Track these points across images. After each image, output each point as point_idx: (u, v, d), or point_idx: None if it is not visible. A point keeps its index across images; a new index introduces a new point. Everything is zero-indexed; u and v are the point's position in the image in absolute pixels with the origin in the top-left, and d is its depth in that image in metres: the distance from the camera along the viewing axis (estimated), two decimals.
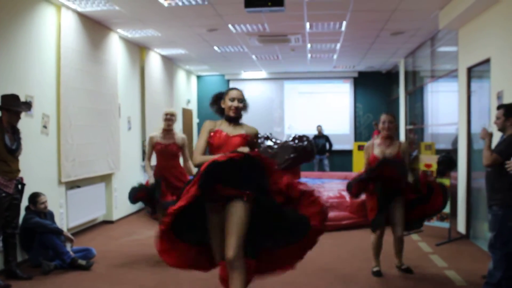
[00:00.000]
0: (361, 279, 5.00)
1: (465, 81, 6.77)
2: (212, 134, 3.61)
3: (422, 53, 9.96)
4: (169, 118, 5.79)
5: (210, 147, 3.62)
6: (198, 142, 3.65)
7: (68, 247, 5.52)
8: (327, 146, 13.47)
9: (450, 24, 6.79)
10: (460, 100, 7.02)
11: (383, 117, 5.03)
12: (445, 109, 8.78)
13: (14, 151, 4.84)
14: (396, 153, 4.90)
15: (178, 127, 11.72)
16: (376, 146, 5.00)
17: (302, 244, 3.53)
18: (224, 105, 3.70)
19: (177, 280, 4.97)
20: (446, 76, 8.49)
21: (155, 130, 5.94)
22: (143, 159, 9.59)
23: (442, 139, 9.02)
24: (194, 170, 5.21)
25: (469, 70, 6.70)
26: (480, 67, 6.41)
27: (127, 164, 8.81)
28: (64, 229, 6.09)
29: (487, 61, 6.00)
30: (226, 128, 3.64)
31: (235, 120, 3.69)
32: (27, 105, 5.07)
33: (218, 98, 3.77)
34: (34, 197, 5.52)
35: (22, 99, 5.18)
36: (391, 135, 5.00)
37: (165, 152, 5.72)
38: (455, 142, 7.63)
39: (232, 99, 3.66)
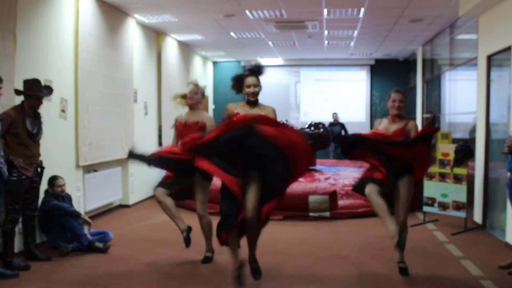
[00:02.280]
0: (376, 267, 4.99)
1: (485, 70, 6.67)
2: (232, 116, 4.19)
3: (441, 40, 9.82)
4: (191, 93, 5.05)
5: None
6: None
7: (86, 230, 5.60)
8: (343, 133, 13.41)
9: (470, 11, 6.67)
10: (479, 89, 6.93)
11: (394, 95, 4.64)
12: (463, 98, 8.68)
13: (34, 136, 4.89)
14: (400, 129, 4.59)
15: None
16: (383, 124, 4.75)
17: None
18: (244, 91, 4.35)
19: (193, 263, 5.04)
20: (464, 64, 8.38)
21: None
22: (160, 144, 9.65)
23: (459, 128, 8.92)
24: None
25: (489, 58, 6.60)
26: (500, 56, 6.31)
27: (143, 149, 8.83)
28: (81, 212, 6.16)
29: (507, 49, 5.89)
30: (245, 111, 4.27)
31: (254, 102, 4.35)
32: (49, 89, 5.10)
33: (239, 83, 4.35)
34: (52, 180, 5.59)
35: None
36: (401, 114, 4.69)
37: (185, 133, 4.87)
38: (472, 131, 7.55)
39: (249, 86, 4.32)
